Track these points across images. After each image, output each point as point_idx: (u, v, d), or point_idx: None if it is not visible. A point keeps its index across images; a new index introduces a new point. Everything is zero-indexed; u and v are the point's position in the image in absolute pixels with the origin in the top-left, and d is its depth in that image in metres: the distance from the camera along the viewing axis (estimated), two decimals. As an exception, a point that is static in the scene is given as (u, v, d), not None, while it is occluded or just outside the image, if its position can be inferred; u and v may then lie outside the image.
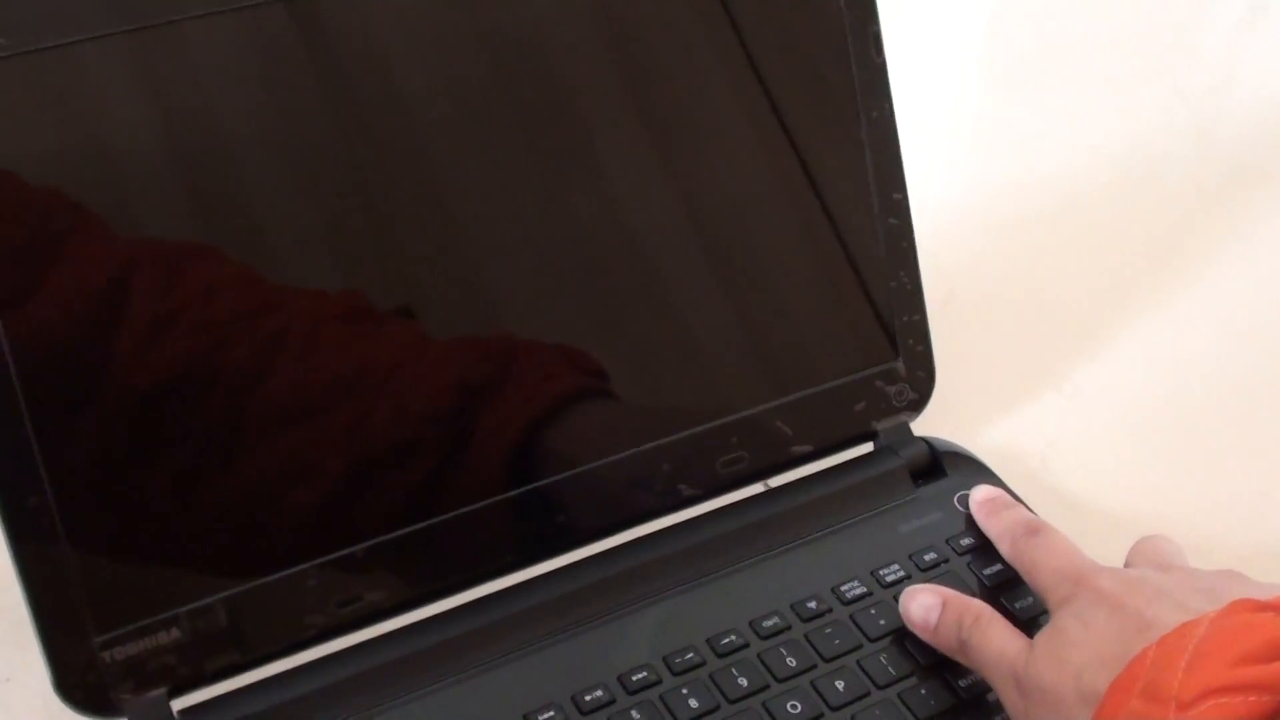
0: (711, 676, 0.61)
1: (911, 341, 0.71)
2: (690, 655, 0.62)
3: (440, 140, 0.61)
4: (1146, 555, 0.62)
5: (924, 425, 0.72)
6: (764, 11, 0.68)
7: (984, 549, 0.67)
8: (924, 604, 0.62)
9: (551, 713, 0.59)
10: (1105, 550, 0.67)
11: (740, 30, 0.67)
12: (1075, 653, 0.55)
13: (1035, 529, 0.64)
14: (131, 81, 0.57)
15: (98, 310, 0.56)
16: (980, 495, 0.68)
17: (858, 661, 0.63)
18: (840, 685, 0.61)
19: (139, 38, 0.56)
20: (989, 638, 0.59)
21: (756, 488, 0.70)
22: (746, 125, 0.68)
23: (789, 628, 0.63)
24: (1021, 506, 0.67)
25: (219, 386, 0.58)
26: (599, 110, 0.65)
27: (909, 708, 0.61)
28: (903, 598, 0.63)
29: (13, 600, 0.57)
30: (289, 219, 0.60)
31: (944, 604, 0.62)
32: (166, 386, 0.57)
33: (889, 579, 0.66)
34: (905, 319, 0.71)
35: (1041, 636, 0.57)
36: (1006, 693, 0.57)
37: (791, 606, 0.64)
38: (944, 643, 0.61)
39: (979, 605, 0.61)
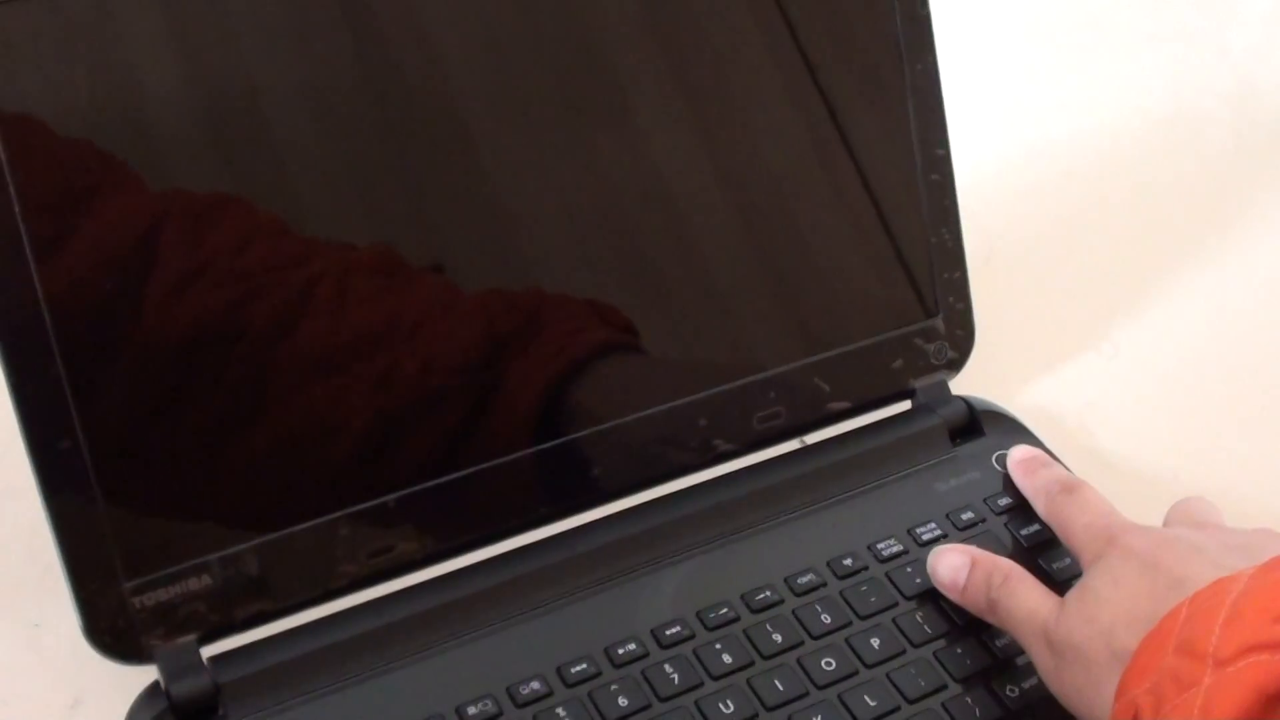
0: (745, 632, 0.61)
1: (952, 299, 0.70)
2: (724, 610, 0.61)
3: (474, 94, 0.61)
4: (1183, 515, 0.62)
5: (962, 384, 0.72)
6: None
7: (1021, 509, 0.67)
8: (952, 564, 0.62)
9: (585, 665, 0.59)
10: (1143, 511, 0.66)
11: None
12: (1106, 610, 0.54)
13: (1071, 487, 0.63)
14: (162, 30, 0.56)
15: (130, 260, 0.56)
16: (1018, 454, 0.67)
17: (893, 619, 0.62)
18: (875, 643, 0.61)
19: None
20: (1018, 597, 0.58)
21: (792, 444, 0.69)
22: (785, 80, 0.67)
23: (824, 584, 0.63)
24: (1059, 465, 0.67)
25: (250, 336, 0.57)
26: (634, 66, 0.64)
27: (944, 666, 0.60)
28: (931, 558, 0.63)
29: (42, 545, 0.57)
30: (320, 171, 0.59)
31: (973, 564, 0.61)
32: (198, 336, 0.57)
33: (925, 537, 0.65)
34: (946, 276, 0.70)
35: (1072, 595, 0.56)
36: (1037, 651, 0.57)
37: (827, 563, 0.64)
38: (973, 603, 0.61)
39: (1008, 564, 0.60)
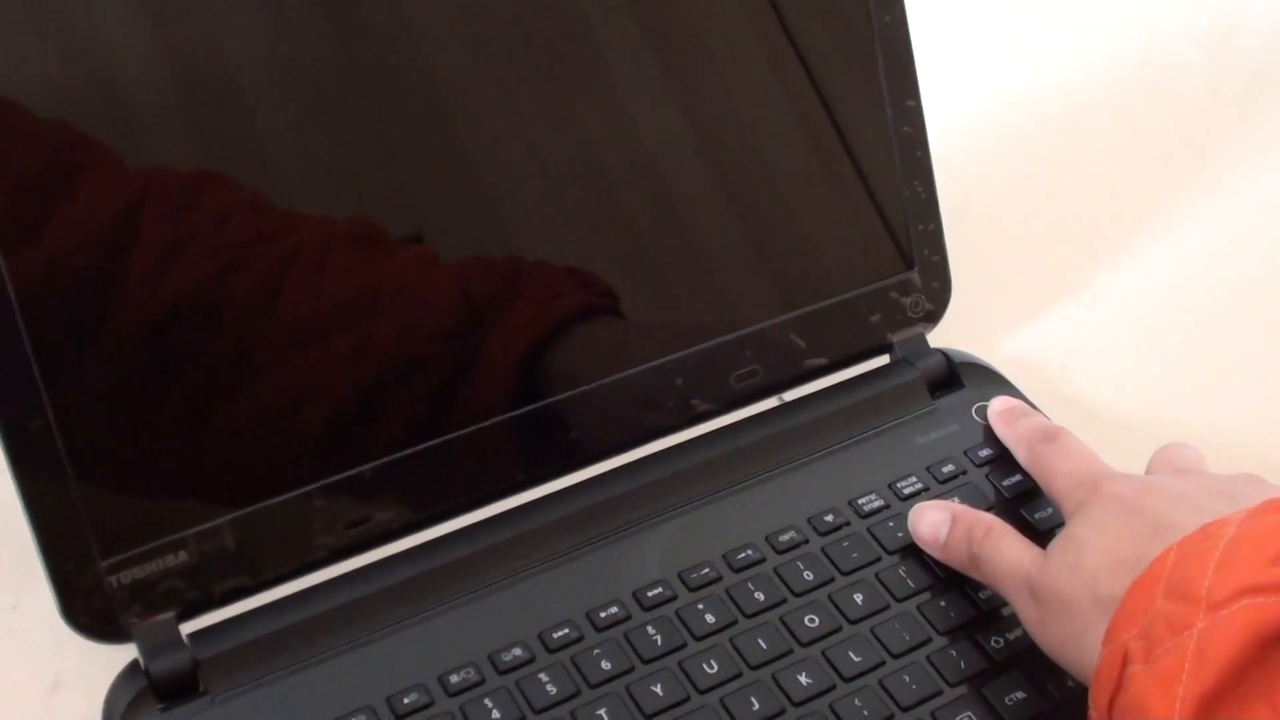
0: (728, 591, 0.60)
1: (927, 252, 0.70)
2: (706, 571, 0.61)
3: (448, 58, 0.60)
4: (1165, 462, 0.61)
5: (940, 337, 0.71)
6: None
7: (1002, 460, 0.66)
8: (932, 520, 0.61)
9: (566, 630, 0.58)
10: (1125, 458, 0.66)
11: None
12: (1090, 557, 0.54)
13: (1051, 435, 0.63)
14: (134, 5, 0.55)
15: (102, 235, 0.55)
16: (998, 405, 0.67)
17: (876, 574, 0.62)
18: (859, 598, 0.61)
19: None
20: (1000, 549, 0.58)
21: (771, 402, 0.68)
22: (754, 33, 0.66)
23: (805, 541, 0.63)
24: (1039, 414, 0.66)
25: (224, 311, 0.57)
26: (606, 24, 0.63)
27: (929, 620, 0.60)
28: (911, 515, 0.62)
29: (16, 528, 0.56)
30: (297, 144, 0.58)
31: (953, 519, 0.61)
32: (171, 310, 0.56)
33: (906, 491, 0.65)
34: (920, 228, 0.70)
35: (1055, 544, 0.56)
36: (1021, 603, 0.56)
37: (808, 520, 0.63)
38: (954, 558, 0.60)
39: (989, 518, 0.60)
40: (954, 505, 0.62)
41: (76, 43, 0.54)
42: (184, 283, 0.56)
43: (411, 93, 0.60)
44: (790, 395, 0.69)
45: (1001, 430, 0.66)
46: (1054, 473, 0.61)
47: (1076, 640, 0.53)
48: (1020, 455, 0.65)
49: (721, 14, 0.66)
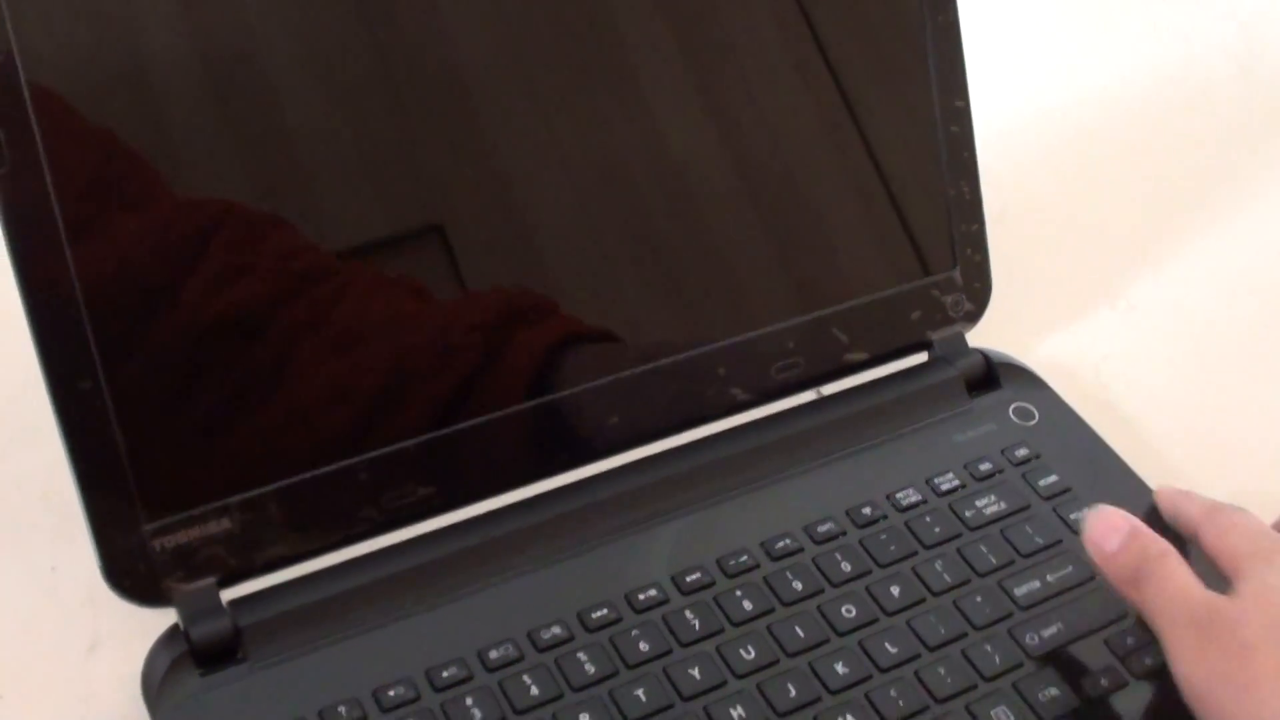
0: (765, 579, 0.61)
1: (969, 251, 0.70)
2: (744, 558, 0.61)
3: (480, 66, 0.60)
4: None
5: (978, 338, 0.71)
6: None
7: (1039, 460, 0.67)
8: (1111, 525, 0.58)
9: (606, 610, 0.59)
10: (1159, 465, 0.66)
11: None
12: None
13: (1214, 508, 0.61)
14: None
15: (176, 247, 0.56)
16: (1100, 523, 0.60)
17: (913, 568, 0.62)
18: (895, 591, 0.61)
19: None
20: (1173, 575, 0.56)
21: (809, 396, 0.69)
22: (804, 35, 0.67)
23: (844, 533, 0.63)
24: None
25: (279, 303, 0.58)
26: (640, 27, 0.63)
27: (965, 614, 0.60)
28: (1089, 514, 0.59)
29: (59, 489, 0.57)
30: (324, 144, 0.59)
31: (1131, 531, 0.58)
32: (227, 309, 0.57)
33: (944, 488, 0.65)
34: (964, 228, 0.70)
35: (1248, 587, 0.54)
36: (1178, 634, 0.54)
37: (846, 512, 0.64)
38: (1116, 570, 0.58)
39: (1166, 544, 0.57)
40: (1137, 520, 0.59)
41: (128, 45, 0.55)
42: (243, 291, 0.57)
43: (441, 98, 0.60)
44: (829, 389, 0.69)
45: (1168, 514, 0.63)
46: (1226, 544, 0.58)
47: (1248, 687, 0.52)
48: (1190, 533, 0.61)
49: (765, 13, 0.66)
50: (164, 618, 0.57)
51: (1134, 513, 0.59)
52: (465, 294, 0.61)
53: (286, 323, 0.58)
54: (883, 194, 0.69)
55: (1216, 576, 0.57)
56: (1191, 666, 0.54)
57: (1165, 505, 0.63)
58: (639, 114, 0.63)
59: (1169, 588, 0.56)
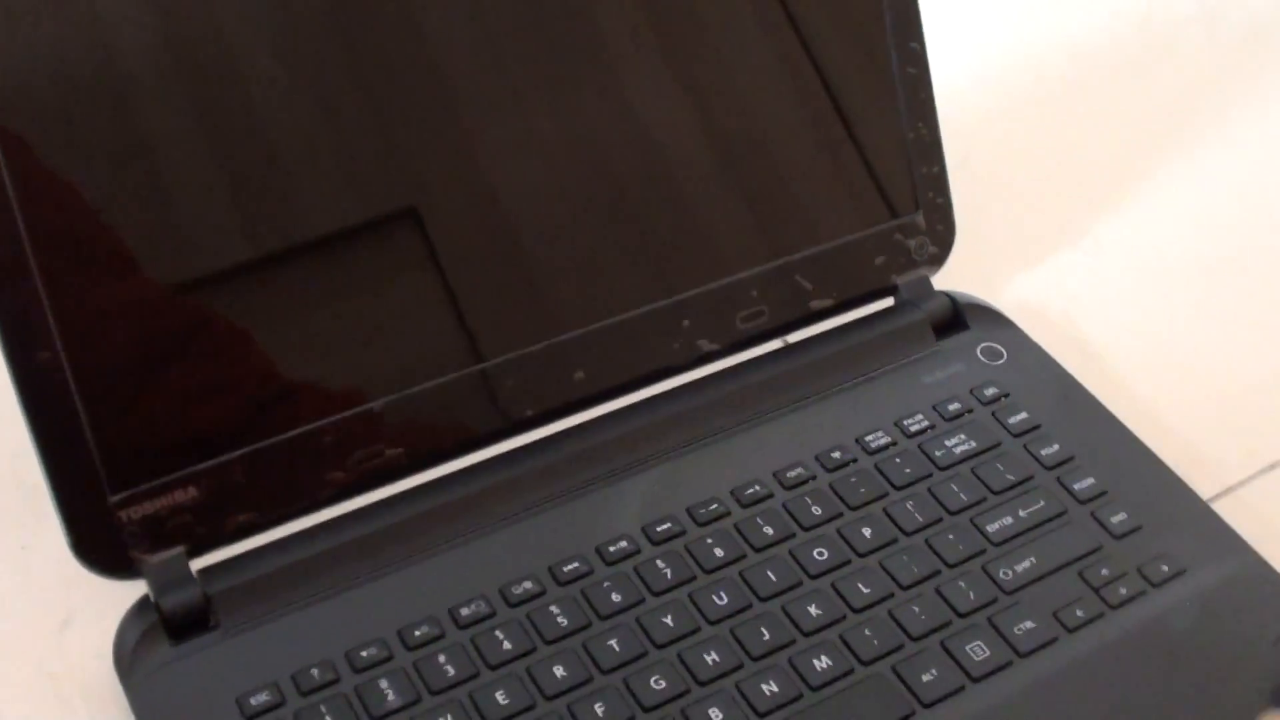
0: (736, 526, 0.60)
1: (931, 194, 0.70)
2: (715, 506, 0.61)
3: (452, 49, 0.60)
4: None
5: (944, 283, 0.71)
6: None
7: (1008, 398, 0.66)
8: None
9: (577, 564, 0.59)
10: (1129, 400, 0.66)
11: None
12: None
13: None
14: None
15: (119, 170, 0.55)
16: None
17: (884, 509, 0.62)
18: (867, 532, 0.61)
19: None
20: None
21: (775, 344, 0.69)
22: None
23: (813, 478, 0.63)
24: None
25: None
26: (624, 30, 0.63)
27: (938, 552, 0.60)
28: None
29: (27, 468, 0.56)
30: (289, 119, 0.58)
31: None
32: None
33: (913, 429, 0.65)
34: (924, 171, 0.70)
35: None
36: None
37: (815, 457, 0.63)
38: None
39: None
40: None
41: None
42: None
43: (416, 86, 0.59)
44: (795, 338, 0.69)
45: None
46: None
47: None
48: None
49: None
50: (136, 590, 0.57)
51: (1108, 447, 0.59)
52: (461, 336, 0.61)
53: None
54: (842, 138, 0.68)
55: None
56: None
57: None
58: (595, 62, 0.63)
59: None
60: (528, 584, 0.58)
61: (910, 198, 0.70)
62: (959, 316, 0.70)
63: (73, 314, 0.54)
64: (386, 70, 0.59)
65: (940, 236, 0.70)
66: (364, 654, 0.55)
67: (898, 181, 0.69)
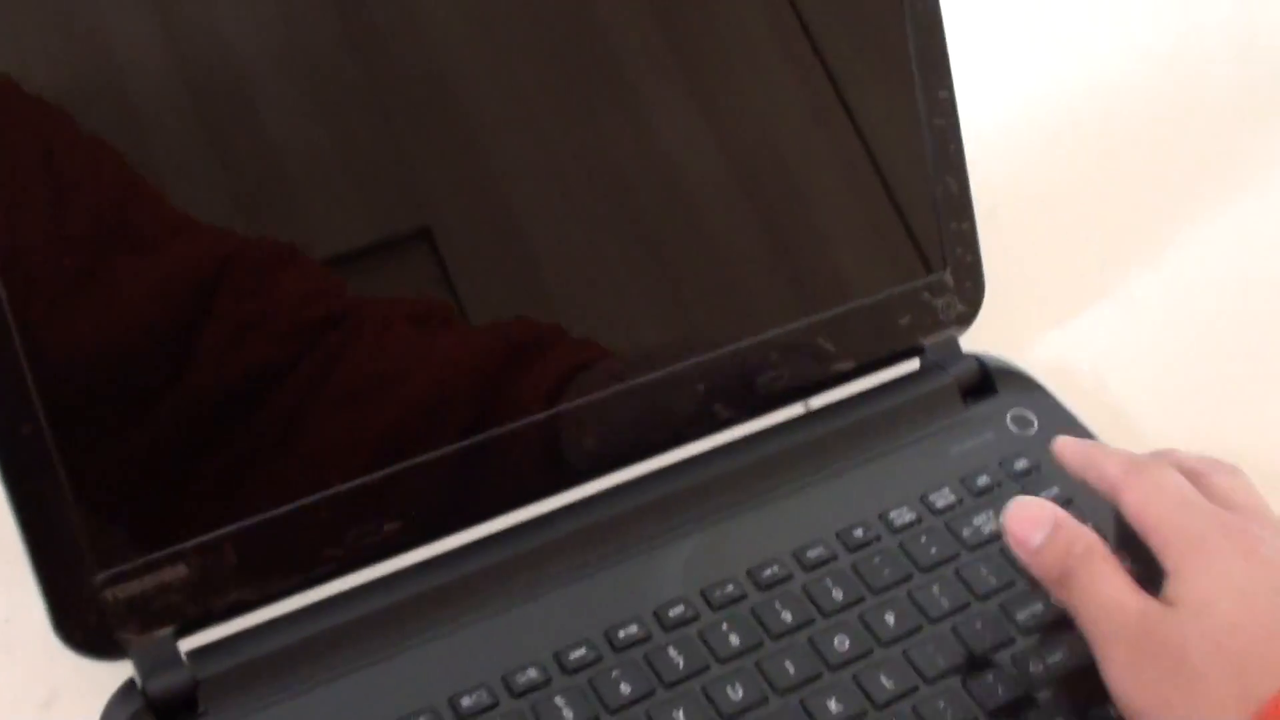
0: (753, 610, 0.58)
1: (960, 251, 0.67)
2: (730, 588, 0.58)
3: (473, 76, 0.58)
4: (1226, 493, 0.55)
5: (971, 340, 0.68)
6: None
7: (1038, 472, 0.64)
8: (1032, 517, 0.54)
9: (584, 650, 0.56)
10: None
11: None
12: (1237, 638, 0.49)
13: (1138, 468, 0.55)
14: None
15: (99, 244, 0.53)
16: (1067, 448, 0.58)
17: (908, 593, 0.59)
18: (890, 619, 0.58)
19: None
20: (1101, 578, 0.52)
21: (796, 410, 0.66)
22: (780, 25, 0.64)
23: (834, 558, 0.60)
24: (1113, 450, 0.58)
25: (235, 347, 0.55)
26: (622, 21, 0.60)
27: (964, 642, 0.57)
28: (1010, 505, 0.55)
29: (9, 533, 0.54)
30: (306, 146, 0.55)
31: (1055, 525, 0.54)
32: (173, 333, 0.54)
33: (939, 505, 0.62)
34: (954, 227, 0.67)
35: (1182, 599, 0.50)
36: (1110, 648, 0.51)
37: (837, 534, 0.61)
38: (1044, 567, 0.54)
39: (1092, 537, 0.53)
40: (1059, 511, 0.55)
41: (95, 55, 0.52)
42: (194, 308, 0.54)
43: (425, 98, 0.57)
44: (817, 402, 0.66)
45: (1080, 474, 0.58)
46: (1150, 515, 0.53)
47: (1192, 710, 0.48)
48: (1110, 497, 0.56)
49: (743, 10, 0.62)
50: (123, 669, 0.54)
51: None
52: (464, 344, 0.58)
53: (242, 369, 0.55)
54: (867, 193, 0.66)
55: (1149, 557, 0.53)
56: (1127, 685, 0.50)
57: (1073, 462, 0.57)
58: (624, 116, 0.61)
59: (1098, 596, 0.52)
60: (532, 672, 0.55)
61: (938, 254, 0.67)
62: (988, 380, 0.67)
63: (57, 386, 0.52)
64: (402, 89, 0.56)
65: (969, 295, 0.68)
66: (363, 749, 0.53)
67: (925, 237, 0.66)
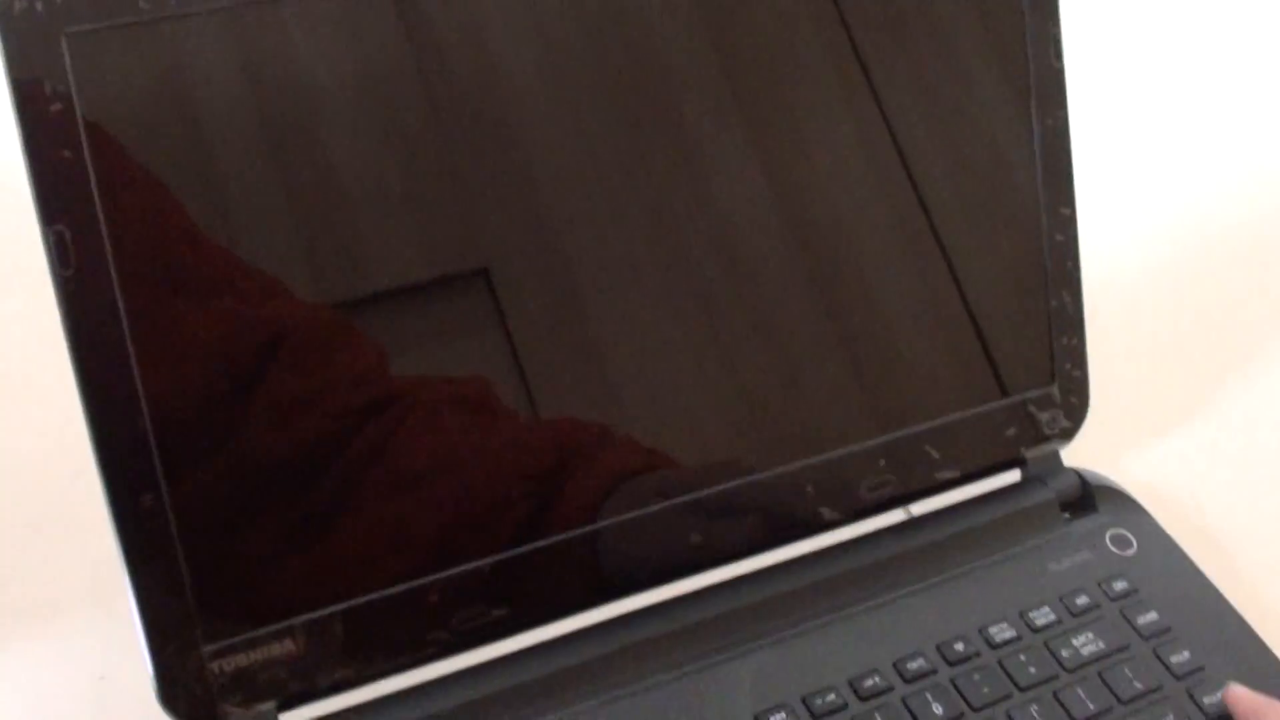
0: (853, 721, 0.57)
1: (1068, 366, 0.67)
2: (831, 697, 0.58)
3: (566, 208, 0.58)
4: None
5: (1066, 451, 0.68)
6: (933, 14, 0.63)
7: (1138, 595, 0.63)
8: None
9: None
10: (1254, 597, 0.63)
11: (902, 35, 0.63)
12: None
13: None
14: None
15: (237, 339, 0.53)
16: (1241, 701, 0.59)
17: (1007, 712, 0.59)
18: (990, 739, 0.57)
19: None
20: None
21: (898, 515, 0.65)
22: (909, 136, 0.63)
23: (934, 671, 0.60)
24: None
25: (341, 444, 0.55)
26: (720, 129, 0.60)
27: (1063, 769, 0.57)
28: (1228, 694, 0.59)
29: (110, 592, 0.54)
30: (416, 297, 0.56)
31: None
32: (290, 435, 0.54)
33: (1039, 622, 0.62)
34: (1064, 342, 0.67)
35: None
36: None
37: (938, 647, 0.60)
38: None
39: None
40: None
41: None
42: (305, 423, 0.55)
43: (499, 159, 0.57)
44: (918, 508, 0.66)
45: None
46: None
47: None
48: None
49: (853, 120, 0.63)
50: (219, 739, 0.54)
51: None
52: (529, 414, 0.57)
53: (349, 453, 0.55)
54: (982, 305, 0.65)
55: None
56: None
57: (1244, 713, 0.59)
58: (717, 216, 0.60)
59: None
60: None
61: (1047, 369, 0.66)
62: (1089, 497, 0.67)
63: (179, 460, 0.52)
64: (470, 140, 0.56)
65: (1073, 410, 0.67)
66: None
67: (1036, 351, 0.66)
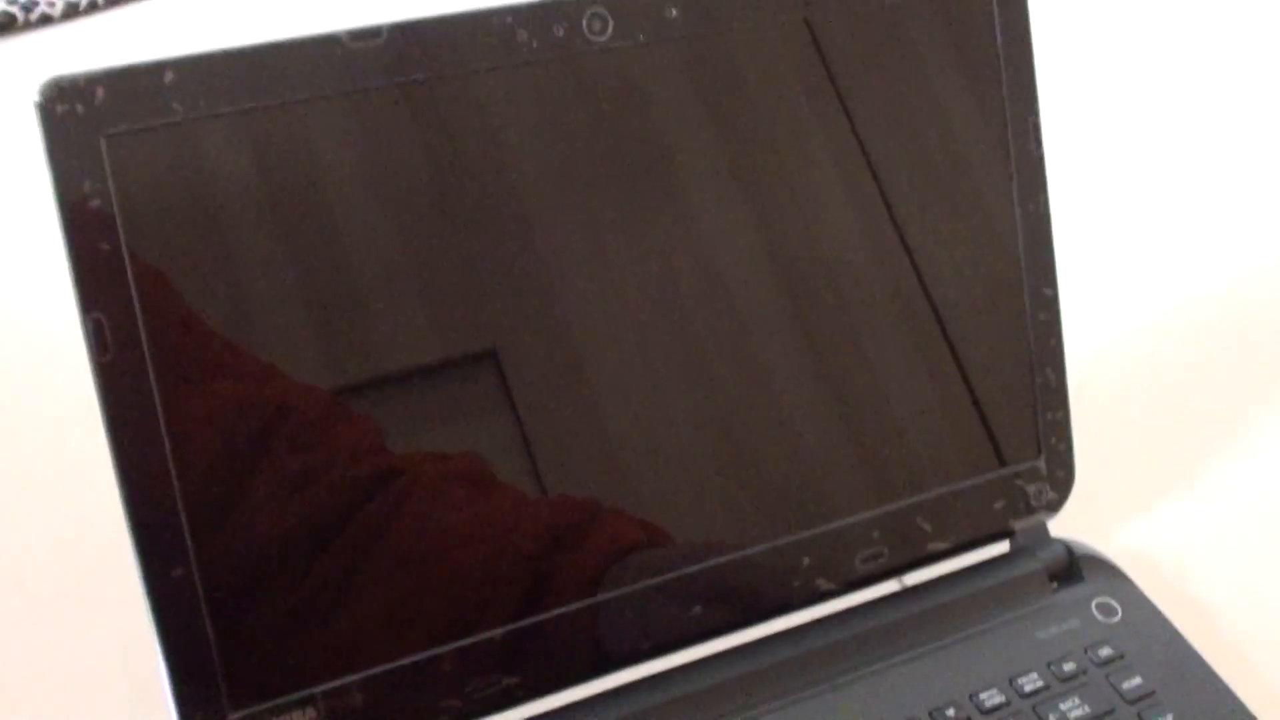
0: (850, 785, 0.60)
1: (1054, 440, 0.70)
2: (828, 761, 0.60)
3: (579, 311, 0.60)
4: None
5: (1054, 523, 0.71)
6: (914, 101, 0.67)
7: (1123, 660, 0.66)
8: None
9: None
10: (1241, 665, 0.65)
11: (892, 123, 0.66)
12: None
13: None
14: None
15: (251, 421, 0.56)
16: None
17: (998, 777, 0.61)
18: (979, 803, 0.60)
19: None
20: None
21: (891, 586, 0.68)
22: (890, 217, 0.67)
23: (927, 736, 0.62)
24: None
25: (349, 526, 0.58)
26: (721, 211, 0.63)
27: (1051, 831, 0.59)
28: None
29: (138, 660, 0.56)
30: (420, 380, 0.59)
31: None
32: (303, 514, 0.57)
33: (1027, 689, 0.64)
34: (1049, 416, 0.69)
35: None
36: None
37: (930, 713, 0.63)
38: None
39: None
40: None
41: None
42: (315, 502, 0.57)
43: (500, 233, 0.60)
44: (910, 580, 0.69)
45: None
46: None
47: None
48: None
49: (853, 201, 0.66)
50: (242, 803, 0.57)
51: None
52: (534, 488, 0.60)
53: (355, 526, 0.58)
54: (969, 382, 0.68)
55: None
56: None
57: None
58: (718, 295, 0.63)
59: None
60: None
61: (1033, 443, 0.69)
62: (1075, 567, 0.70)
63: (209, 535, 0.55)
64: (473, 216, 0.59)
65: (1060, 482, 0.70)
66: None
67: (1022, 426, 0.69)
